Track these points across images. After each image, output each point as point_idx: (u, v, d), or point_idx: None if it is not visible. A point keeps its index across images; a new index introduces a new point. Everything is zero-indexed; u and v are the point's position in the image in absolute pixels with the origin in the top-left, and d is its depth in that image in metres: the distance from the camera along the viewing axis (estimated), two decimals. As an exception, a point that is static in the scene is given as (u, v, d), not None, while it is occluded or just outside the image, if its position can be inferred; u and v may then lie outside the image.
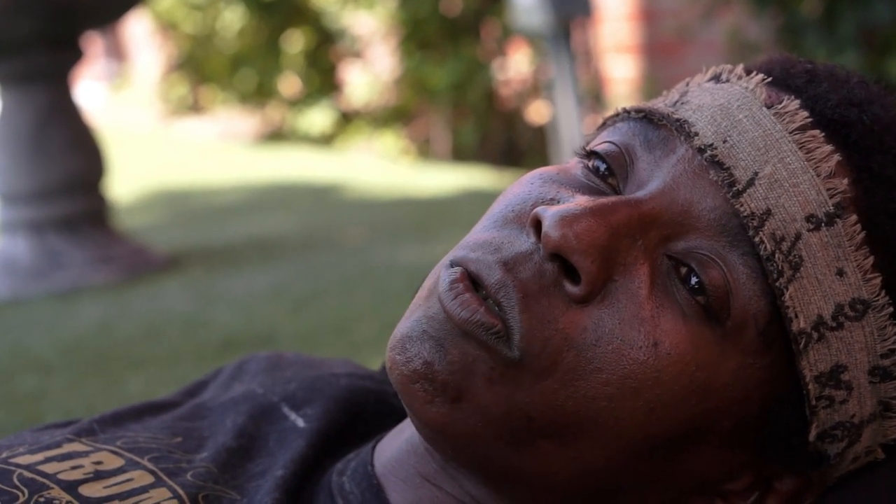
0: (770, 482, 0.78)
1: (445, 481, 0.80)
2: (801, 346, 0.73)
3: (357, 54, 7.43)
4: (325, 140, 7.28)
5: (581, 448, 0.73)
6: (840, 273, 0.73)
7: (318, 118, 7.35)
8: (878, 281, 0.74)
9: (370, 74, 7.24)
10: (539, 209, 0.74)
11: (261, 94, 7.77)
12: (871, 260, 0.74)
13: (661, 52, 5.24)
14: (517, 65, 6.39)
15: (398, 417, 0.90)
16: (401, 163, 6.18)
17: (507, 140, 6.43)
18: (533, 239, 0.74)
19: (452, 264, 0.76)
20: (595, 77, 5.49)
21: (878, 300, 0.74)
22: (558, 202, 0.76)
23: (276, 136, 7.73)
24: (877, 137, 0.76)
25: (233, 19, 7.74)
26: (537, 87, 6.16)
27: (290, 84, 7.65)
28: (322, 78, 7.54)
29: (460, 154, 6.38)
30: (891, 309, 0.74)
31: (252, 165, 5.91)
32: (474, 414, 0.73)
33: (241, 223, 4.16)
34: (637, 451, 0.74)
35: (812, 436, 0.75)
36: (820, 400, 0.74)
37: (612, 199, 0.75)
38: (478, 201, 4.06)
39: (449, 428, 0.74)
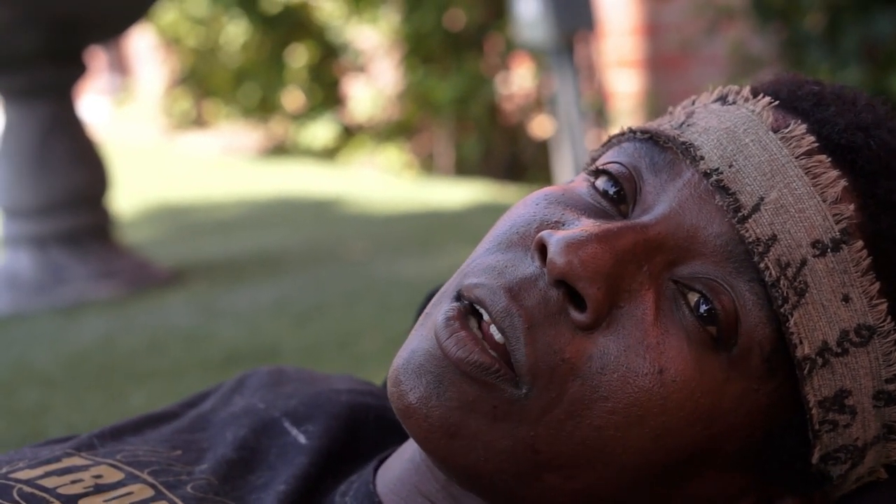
0: (772, 502, 0.78)
1: (445, 500, 0.80)
2: (806, 371, 0.72)
3: (360, 69, 7.44)
4: (329, 154, 7.28)
5: (588, 479, 0.73)
6: (846, 299, 0.72)
7: (321, 132, 7.36)
8: (883, 307, 0.73)
9: (373, 89, 7.25)
10: (544, 233, 0.73)
11: (264, 108, 7.78)
12: (877, 286, 0.73)
13: (665, 67, 5.25)
14: (520, 79, 6.39)
15: (399, 434, 0.90)
16: (404, 177, 6.18)
17: (510, 154, 6.43)
18: (538, 263, 0.74)
19: (457, 297, 0.75)
20: (598, 91, 5.49)
21: (883, 326, 0.74)
22: (563, 224, 0.76)
23: (280, 150, 7.74)
24: (883, 163, 0.76)
25: (236, 33, 7.75)
26: (540, 102, 6.16)
27: (293, 98, 7.67)
28: (325, 92, 7.55)
29: (463, 168, 6.38)
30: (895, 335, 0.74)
31: (255, 180, 5.91)
32: (475, 448, 0.73)
33: (245, 237, 4.16)
34: (643, 479, 0.74)
35: (815, 459, 0.75)
36: (823, 424, 0.74)
37: (618, 224, 0.74)
38: (481, 215, 4.06)
39: (449, 460, 0.74)
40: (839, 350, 0.73)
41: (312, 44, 7.48)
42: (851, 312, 0.73)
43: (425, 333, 0.76)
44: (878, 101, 0.81)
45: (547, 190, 0.80)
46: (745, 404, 0.73)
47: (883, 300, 0.73)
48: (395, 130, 6.95)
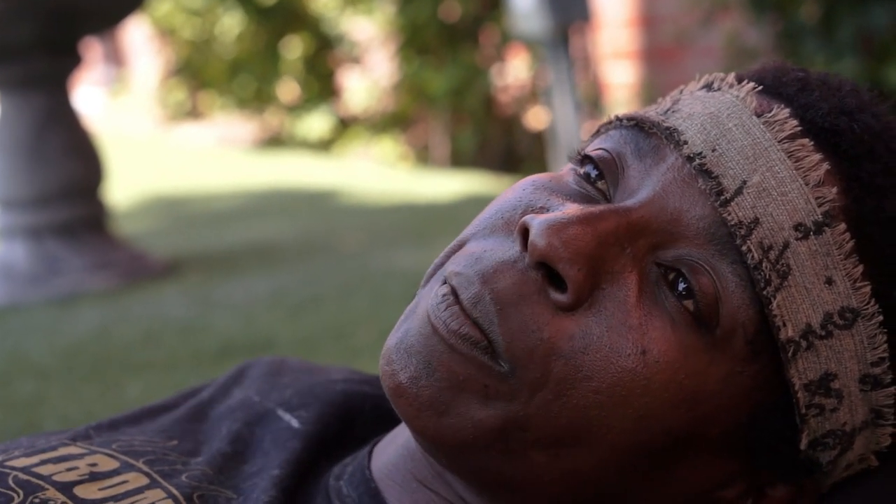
0: (763, 490, 0.78)
1: (441, 486, 0.81)
2: (790, 354, 0.73)
3: (356, 60, 7.43)
4: (324, 146, 7.28)
5: (574, 457, 0.74)
6: (829, 282, 0.73)
7: (316, 124, 7.35)
8: (867, 289, 0.74)
9: (369, 80, 7.25)
10: (527, 217, 0.74)
11: (259, 99, 7.77)
12: (860, 269, 0.73)
13: (660, 58, 5.25)
14: (516, 70, 6.39)
15: (394, 422, 0.90)
16: (399, 168, 6.18)
17: (505, 146, 6.43)
18: (518, 247, 0.74)
19: (444, 281, 0.76)
20: (594, 83, 5.49)
21: (867, 309, 0.74)
22: (548, 209, 0.76)
23: (275, 141, 7.73)
24: (867, 146, 0.76)
25: (231, 25, 7.74)
26: (536, 93, 6.16)
27: (288, 90, 7.66)
28: (320, 83, 7.54)
29: (459, 160, 6.38)
30: (881, 317, 0.74)
31: (250, 171, 5.91)
32: (464, 426, 0.73)
33: (240, 229, 4.16)
34: (628, 460, 0.74)
35: (804, 444, 0.75)
36: (810, 408, 0.74)
37: (601, 207, 0.75)
38: (476, 207, 4.04)
39: (439, 439, 0.74)
40: (823, 333, 0.73)
41: (307, 35, 7.47)
42: (835, 295, 0.73)
43: (418, 313, 0.77)
44: (864, 88, 0.82)
45: (535, 177, 0.81)
46: (730, 386, 0.73)
47: (866, 283, 0.74)
48: (391, 122, 6.95)
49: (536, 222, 0.73)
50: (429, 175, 5.49)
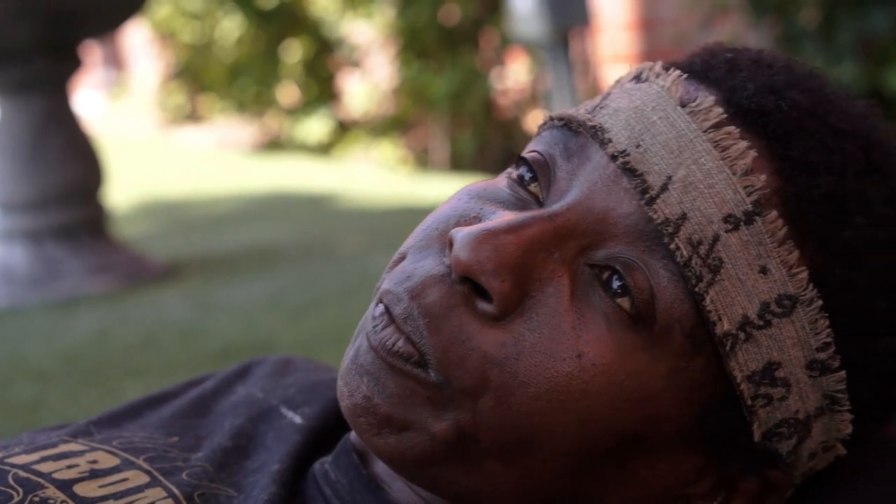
0: (734, 483, 0.77)
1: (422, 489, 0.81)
2: (728, 347, 0.71)
3: (355, 63, 7.43)
4: (323, 149, 7.28)
5: (526, 464, 0.73)
6: (763, 271, 0.71)
7: (316, 127, 7.35)
8: (804, 275, 0.72)
9: (368, 83, 7.25)
10: (453, 231, 0.74)
11: (259, 102, 7.77)
12: (796, 254, 0.72)
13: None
14: (515, 74, 6.39)
15: None
16: (399, 172, 6.18)
17: (505, 149, 6.43)
18: (447, 261, 0.74)
19: (379, 300, 0.76)
20: (593, 86, 5.49)
21: (805, 294, 0.72)
22: (480, 219, 0.76)
23: (275, 145, 7.73)
24: (796, 123, 0.74)
25: (231, 28, 7.74)
26: (535, 97, 6.16)
27: (288, 93, 7.66)
28: (320, 87, 7.54)
29: (458, 163, 6.38)
30: (821, 302, 0.73)
31: (250, 174, 5.91)
32: (422, 440, 0.73)
33: (240, 232, 4.16)
34: (580, 464, 0.73)
35: (756, 436, 0.74)
36: (756, 399, 0.73)
37: (524, 214, 0.74)
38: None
39: (398, 456, 0.74)
40: (761, 323, 0.72)
41: (307, 39, 7.48)
42: (771, 284, 0.72)
43: (365, 332, 0.77)
44: (800, 63, 0.80)
45: (469, 185, 0.81)
46: (675, 383, 0.72)
47: (803, 268, 0.72)
48: (390, 125, 6.95)
49: (460, 236, 0.72)
50: (428, 178, 5.49)
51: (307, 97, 7.52)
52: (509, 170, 0.80)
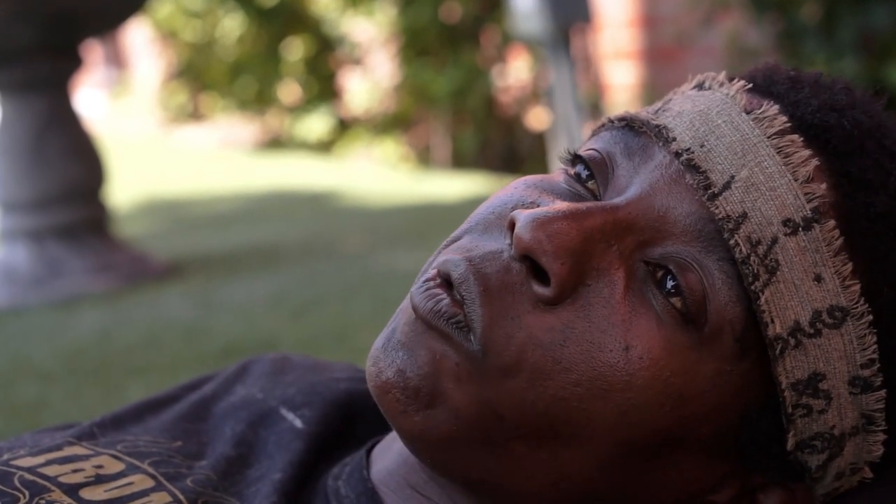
0: (755, 494, 0.77)
1: (434, 492, 0.80)
2: (777, 351, 0.72)
3: (356, 61, 7.43)
4: (325, 147, 7.28)
5: (555, 450, 0.73)
6: (818, 279, 0.72)
7: (317, 125, 7.35)
8: (856, 288, 0.72)
9: (370, 81, 7.25)
10: (515, 212, 0.74)
11: (260, 101, 7.78)
12: (849, 266, 0.72)
13: (661, 59, 5.25)
14: (517, 71, 6.39)
15: None
16: (400, 170, 6.18)
17: (506, 147, 6.43)
18: (508, 240, 0.74)
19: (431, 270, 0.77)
20: (595, 83, 5.49)
21: (857, 308, 0.73)
22: (538, 206, 0.76)
23: (276, 143, 7.73)
24: (857, 142, 0.75)
25: (232, 27, 7.74)
26: (537, 94, 6.16)
27: (289, 91, 7.66)
28: (321, 85, 7.55)
29: (460, 161, 6.38)
30: (871, 317, 0.73)
31: (252, 173, 5.91)
32: (448, 418, 0.73)
33: (241, 230, 4.16)
34: (612, 457, 0.73)
35: (790, 445, 0.74)
36: (797, 408, 0.73)
37: (588, 203, 0.75)
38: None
39: (425, 435, 0.74)
40: (812, 331, 0.72)
41: (308, 37, 7.48)
42: (824, 293, 0.72)
43: (404, 309, 0.77)
44: (857, 86, 0.81)
45: (525, 177, 0.81)
46: (718, 386, 0.73)
47: (856, 281, 0.72)
48: (392, 123, 6.95)
49: (523, 216, 0.73)
50: (430, 176, 5.49)
51: (308, 95, 7.53)
52: (564, 166, 0.81)
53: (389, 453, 0.84)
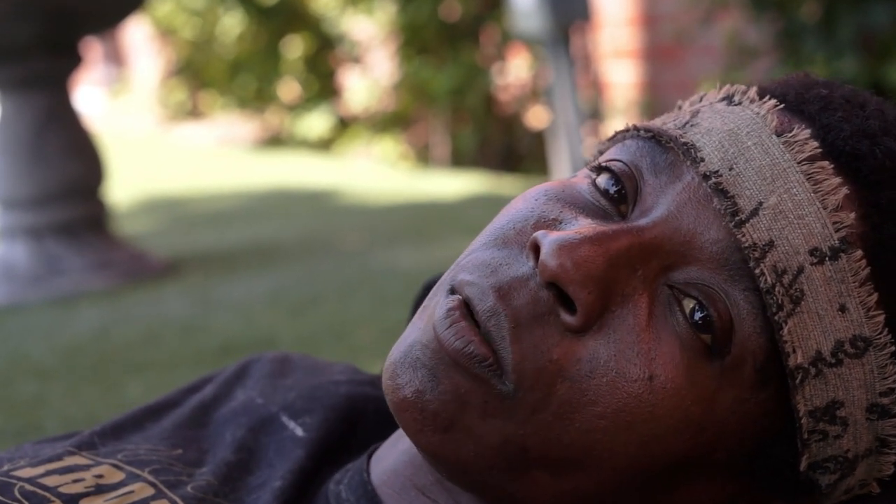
0: None
1: (440, 495, 0.80)
2: (798, 381, 0.71)
3: (356, 59, 7.43)
4: (324, 145, 7.28)
5: (576, 479, 0.73)
6: (842, 309, 0.71)
7: (316, 123, 7.35)
8: (881, 318, 0.72)
9: (369, 79, 7.24)
10: (538, 234, 0.72)
11: (260, 99, 7.78)
12: (875, 297, 0.72)
13: (661, 57, 5.25)
14: (516, 70, 6.39)
15: (396, 425, 0.90)
16: (400, 168, 6.18)
17: (506, 145, 6.43)
18: (531, 263, 0.73)
19: (451, 291, 0.75)
20: (594, 82, 5.49)
21: (880, 338, 0.72)
22: (561, 223, 0.75)
23: (275, 141, 7.73)
24: (888, 172, 0.74)
25: (232, 24, 7.74)
26: (536, 92, 6.16)
27: (289, 89, 7.66)
28: (321, 83, 7.54)
29: (459, 159, 6.38)
30: (892, 348, 0.73)
31: (251, 171, 5.91)
32: (467, 443, 0.72)
33: (240, 228, 4.16)
34: (630, 482, 0.73)
35: (803, 466, 0.74)
36: (813, 434, 0.73)
37: (614, 227, 0.73)
38: (477, 206, 4.06)
39: (441, 454, 0.74)
40: (833, 361, 0.71)
41: (308, 35, 7.47)
42: (848, 323, 0.71)
43: (423, 325, 0.75)
44: (889, 107, 0.80)
45: (547, 185, 0.79)
46: (736, 414, 0.72)
47: (880, 311, 0.72)
48: (391, 121, 6.95)
49: (548, 241, 0.71)
50: (429, 174, 5.49)
51: (308, 93, 7.52)
52: (587, 171, 0.80)
53: (393, 452, 0.84)
